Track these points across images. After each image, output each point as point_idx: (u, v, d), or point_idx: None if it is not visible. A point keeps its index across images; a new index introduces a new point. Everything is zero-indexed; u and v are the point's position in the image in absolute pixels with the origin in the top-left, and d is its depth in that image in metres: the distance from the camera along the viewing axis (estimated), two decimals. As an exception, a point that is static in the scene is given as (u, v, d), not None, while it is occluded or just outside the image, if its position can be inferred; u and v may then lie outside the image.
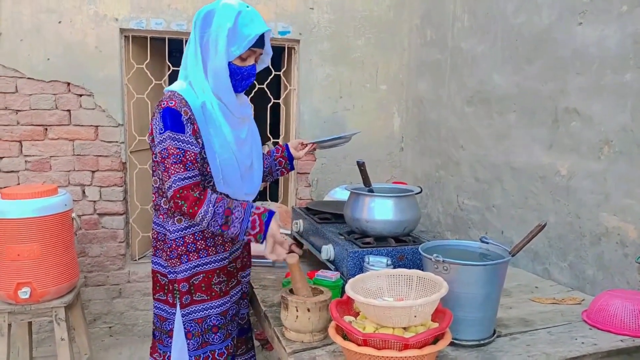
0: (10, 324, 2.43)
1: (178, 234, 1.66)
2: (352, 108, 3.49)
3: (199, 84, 1.62)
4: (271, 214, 1.65)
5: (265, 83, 3.38)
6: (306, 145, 2.00)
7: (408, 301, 1.26)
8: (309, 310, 1.44)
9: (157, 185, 1.71)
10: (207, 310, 1.69)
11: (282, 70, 3.56)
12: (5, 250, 2.35)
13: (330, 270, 1.78)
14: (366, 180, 1.93)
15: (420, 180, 3.32)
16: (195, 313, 1.68)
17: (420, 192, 1.93)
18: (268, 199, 3.58)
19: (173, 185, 1.55)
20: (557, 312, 1.70)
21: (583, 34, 1.99)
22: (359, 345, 1.19)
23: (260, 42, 1.62)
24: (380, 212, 1.80)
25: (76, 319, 2.73)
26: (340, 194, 2.77)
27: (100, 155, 3.13)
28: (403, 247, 1.77)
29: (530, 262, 2.28)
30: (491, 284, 1.42)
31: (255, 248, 2.12)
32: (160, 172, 1.61)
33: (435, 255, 1.41)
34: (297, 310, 1.45)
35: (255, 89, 3.31)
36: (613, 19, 1.86)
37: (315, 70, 3.40)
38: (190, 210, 1.56)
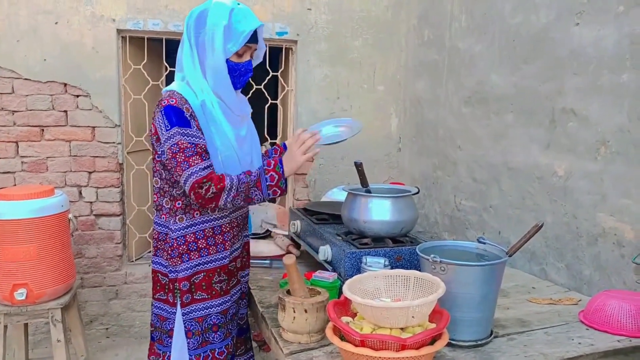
0: (6, 325, 2.42)
1: (179, 232, 1.68)
2: (350, 109, 3.49)
3: (197, 84, 1.64)
4: (281, 161, 1.70)
5: (263, 84, 3.37)
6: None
7: (405, 302, 1.26)
8: (306, 311, 1.44)
9: (159, 186, 1.72)
10: (207, 309, 1.71)
11: (280, 71, 3.55)
12: (2, 251, 2.34)
13: (328, 271, 1.78)
14: (363, 181, 1.93)
15: (417, 180, 3.32)
16: (195, 312, 1.69)
17: (417, 193, 1.93)
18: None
19: (195, 175, 1.56)
20: (554, 313, 1.70)
21: (580, 34, 1.99)
22: (356, 346, 1.18)
23: (253, 37, 1.65)
24: (377, 212, 1.80)
25: (73, 320, 2.73)
26: (338, 194, 2.77)
27: (97, 156, 3.12)
28: (400, 247, 1.77)
29: (527, 263, 2.28)
30: (488, 284, 1.42)
31: (254, 248, 2.12)
32: (172, 167, 1.60)
33: (432, 255, 1.40)
34: (294, 311, 1.45)
35: (253, 90, 3.31)
36: (610, 19, 1.86)
37: (313, 71, 3.40)
38: (219, 186, 1.57)
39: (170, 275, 1.71)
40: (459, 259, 1.41)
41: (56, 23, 2.98)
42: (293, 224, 2.27)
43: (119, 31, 3.09)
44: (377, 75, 3.52)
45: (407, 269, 1.57)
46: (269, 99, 3.51)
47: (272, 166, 1.68)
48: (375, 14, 3.45)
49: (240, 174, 1.65)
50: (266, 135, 3.52)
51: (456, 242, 1.65)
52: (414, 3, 3.36)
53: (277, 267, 2.22)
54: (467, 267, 1.39)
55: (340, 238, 1.87)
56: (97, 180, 3.15)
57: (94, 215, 3.18)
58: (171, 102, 1.58)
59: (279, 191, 1.69)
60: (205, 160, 1.59)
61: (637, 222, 1.77)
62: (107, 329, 3.31)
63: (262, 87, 3.37)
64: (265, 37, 3.20)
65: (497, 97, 2.48)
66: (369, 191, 1.91)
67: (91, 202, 3.16)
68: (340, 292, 1.60)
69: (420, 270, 1.44)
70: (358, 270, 1.66)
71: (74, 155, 3.09)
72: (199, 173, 1.57)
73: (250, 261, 2.00)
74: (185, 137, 1.57)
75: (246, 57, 1.68)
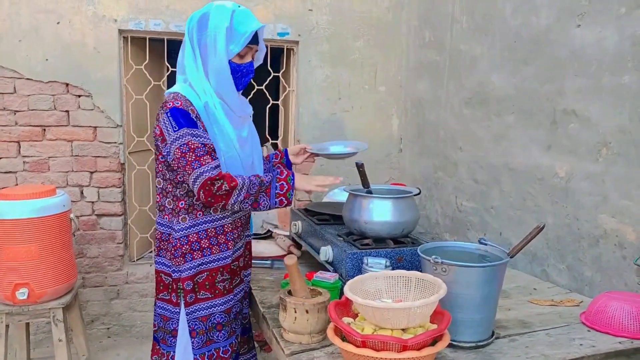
0: (8, 325, 2.43)
1: (182, 232, 1.69)
2: (351, 109, 3.49)
3: (200, 86, 1.66)
4: (293, 174, 1.74)
5: (264, 84, 3.38)
6: (307, 153, 2.02)
7: (407, 303, 1.26)
8: (307, 311, 1.44)
9: (162, 186, 1.74)
10: (211, 308, 1.72)
11: (281, 72, 3.56)
12: (3, 250, 2.34)
13: (329, 271, 1.78)
14: (365, 182, 1.93)
15: (418, 181, 3.32)
16: (199, 311, 1.71)
17: (418, 194, 1.93)
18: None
19: (206, 173, 1.58)
20: (555, 314, 1.70)
21: (581, 35, 1.99)
22: (357, 346, 1.18)
23: (254, 39, 1.68)
24: (378, 213, 1.80)
25: (74, 320, 2.73)
26: (339, 195, 2.78)
27: (98, 156, 3.13)
28: (402, 248, 1.77)
29: (529, 264, 2.28)
30: (490, 285, 1.42)
31: (255, 249, 2.12)
32: (180, 166, 1.61)
33: (434, 256, 1.41)
34: (295, 312, 1.45)
35: (254, 90, 3.31)
36: (611, 20, 1.86)
37: (314, 72, 3.40)
38: (232, 184, 1.59)
39: (173, 275, 1.72)
40: (460, 260, 1.41)
41: (58, 23, 2.98)
42: (294, 225, 2.28)
43: (120, 31, 3.09)
44: (378, 76, 3.52)
45: (408, 269, 1.57)
46: (270, 99, 3.51)
47: (284, 176, 1.70)
48: (376, 15, 3.45)
49: (251, 176, 1.66)
50: (267, 136, 3.52)
51: (457, 243, 1.64)
52: (414, 4, 3.36)
53: (278, 267, 2.22)
54: (468, 268, 1.39)
55: (341, 239, 1.87)
56: (99, 180, 3.15)
57: (96, 215, 3.18)
58: (177, 105, 1.60)
59: (286, 202, 1.71)
60: (215, 159, 1.62)
61: (639, 223, 1.77)
62: (108, 328, 3.31)
63: (263, 87, 3.37)
64: (266, 38, 3.21)
65: (498, 98, 2.49)
66: (370, 192, 1.92)
67: (93, 202, 3.16)
68: (341, 293, 1.61)
69: (421, 271, 1.44)
70: (359, 271, 1.67)
71: (76, 155, 3.10)
72: (211, 172, 1.59)
73: (252, 261, 2.01)
74: (195, 137, 1.60)
75: (248, 59, 1.71)
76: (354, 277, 1.43)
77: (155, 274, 1.80)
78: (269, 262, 2.26)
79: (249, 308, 1.98)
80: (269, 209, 1.71)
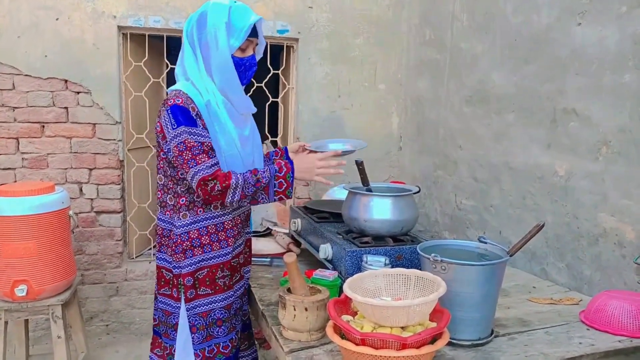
0: (7, 321, 2.43)
1: (183, 229, 1.70)
2: (351, 107, 3.49)
3: (202, 84, 1.68)
4: (292, 169, 1.72)
5: (264, 82, 3.37)
6: (306, 150, 2.01)
7: (406, 301, 1.26)
8: (306, 309, 1.44)
9: (163, 183, 1.75)
10: (211, 304, 1.73)
11: (281, 69, 3.55)
12: (2, 247, 2.34)
13: (328, 269, 1.78)
14: (364, 180, 1.92)
15: (418, 179, 3.32)
16: (199, 307, 1.72)
17: (418, 192, 1.92)
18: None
19: (201, 172, 1.59)
20: (554, 313, 1.70)
21: (582, 34, 1.99)
22: (356, 344, 1.18)
23: (254, 32, 1.70)
24: (378, 211, 1.80)
25: (73, 316, 2.73)
26: (339, 193, 2.77)
27: (97, 153, 3.12)
28: (401, 246, 1.77)
29: (528, 262, 2.28)
30: (489, 283, 1.42)
31: (254, 246, 2.12)
32: (179, 164, 1.63)
33: (433, 255, 1.40)
34: (294, 309, 1.45)
35: (254, 88, 3.30)
36: (612, 19, 1.86)
37: (314, 69, 3.39)
38: (223, 185, 1.60)
39: (174, 271, 1.73)
40: (459, 258, 1.41)
41: (57, 19, 2.97)
42: (294, 222, 2.27)
43: (119, 28, 3.08)
44: (378, 73, 3.51)
45: (407, 267, 1.57)
46: (270, 97, 3.51)
47: (282, 173, 1.70)
48: (377, 13, 3.44)
49: (247, 173, 1.67)
50: (267, 133, 3.52)
51: (457, 242, 1.65)
52: (415, 2, 3.35)
53: (278, 265, 2.22)
54: (468, 266, 1.39)
55: (340, 236, 1.87)
56: (98, 177, 3.15)
57: (95, 212, 3.18)
58: (177, 102, 1.61)
59: (285, 198, 1.73)
60: (212, 158, 1.62)
61: (638, 222, 1.77)
62: (107, 325, 3.31)
63: (263, 85, 3.36)
64: (266, 35, 3.21)
65: (499, 96, 2.48)
66: (369, 190, 1.91)
67: (92, 199, 3.16)
68: (340, 291, 1.61)
69: (420, 269, 1.44)
70: (358, 268, 1.66)
71: (75, 152, 3.09)
72: (206, 171, 1.60)
73: (252, 258, 2.01)
74: (192, 135, 1.61)
75: (249, 52, 1.72)
76: (353, 275, 1.43)
77: (157, 269, 1.82)
78: (268, 259, 2.26)
79: (248, 305, 1.98)
80: (269, 202, 1.74)
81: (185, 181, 1.69)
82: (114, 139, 3.13)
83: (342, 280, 1.64)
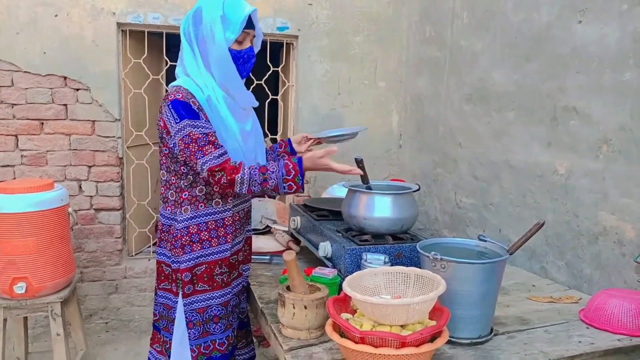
0: (6, 318, 2.42)
1: (184, 223, 1.71)
2: (351, 105, 3.48)
3: (202, 80, 1.68)
4: (301, 173, 1.69)
5: (264, 79, 3.36)
6: (310, 139, 2.03)
7: (405, 299, 1.25)
8: (305, 307, 1.44)
9: (165, 178, 1.77)
10: (208, 300, 1.73)
11: (281, 67, 3.54)
12: (1, 244, 2.34)
13: (328, 267, 1.78)
14: (364, 177, 1.92)
15: (418, 177, 3.31)
16: (196, 303, 1.72)
17: (418, 190, 1.92)
18: (266, 195, 3.56)
19: (208, 162, 1.60)
20: (554, 311, 1.70)
21: (583, 32, 1.98)
22: (356, 342, 1.18)
23: (249, 24, 1.70)
24: (378, 209, 1.80)
25: (72, 314, 2.73)
26: (338, 190, 2.77)
27: (96, 150, 3.12)
28: (401, 244, 1.77)
29: (528, 261, 2.28)
30: (489, 282, 1.41)
31: (253, 244, 2.12)
32: (185, 156, 1.64)
33: (433, 253, 1.40)
34: (294, 307, 1.45)
35: (253, 85, 3.30)
36: (613, 17, 1.85)
37: (314, 67, 3.39)
38: (229, 177, 1.61)
39: (172, 265, 1.74)
40: (459, 256, 1.41)
41: (56, 16, 2.96)
42: (293, 220, 2.27)
43: (119, 24, 3.07)
44: (378, 71, 3.50)
45: (407, 266, 1.57)
46: (270, 94, 3.50)
47: (291, 176, 1.66)
48: (377, 10, 3.44)
49: (255, 170, 1.64)
50: (266, 131, 3.51)
51: (457, 240, 1.64)
52: (416, -1, 3.35)
53: (277, 263, 2.22)
54: (467, 264, 1.39)
55: (340, 234, 1.86)
56: (97, 174, 3.14)
57: (94, 209, 3.17)
58: (178, 97, 1.62)
59: (293, 194, 1.74)
60: (218, 148, 1.63)
61: (638, 221, 1.77)
62: (106, 323, 3.31)
63: (262, 82, 3.35)
64: (266, 32, 3.20)
65: (499, 94, 2.48)
66: (369, 188, 1.91)
67: (91, 196, 3.16)
68: (340, 289, 1.60)
69: (420, 268, 1.44)
70: (358, 266, 1.66)
71: (74, 149, 3.09)
72: (213, 161, 1.61)
73: (251, 257, 2.01)
74: (196, 128, 1.61)
75: (246, 44, 1.72)
76: (352, 273, 1.42)
77: (157, 264, 1.83)
78: (267, 257, 2.26)
79: (247, 303, 1.97)
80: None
81: (188, 176, 1.70)
82: (113, 136, 3.13)
83: (342, 278, 1.64)
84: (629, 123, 1.80)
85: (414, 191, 1.89)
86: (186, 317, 1.72)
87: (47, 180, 2.57)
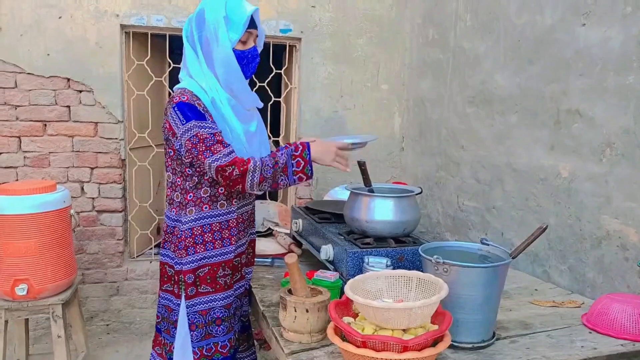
0: (7, 320, 2.42)
1: (188, 225, 1.71)
2: (353, 107, 3.48)
3: (206, 82, 1.69)
4: (308, 147, 1.72)
5: (266, 81, 3.37)
6: None
7: (408, 303, 1.25)
8: (307, 310, 1.43)
9: (171, 180, 1.77)
10: (211, 303, 1.73)
11: (283, 69, 3.54)
12: (3, 246, 2.34)
13: (329, 270, 1.77)
14: (367, 180, 1.92)
15: (420, 180, 3.31)
16: (199, 305, 1.72)
17: (420, 193, 1.92)
18: (267, 197, 3.57)
19: (218, 161, 1.61)
20: (556, 315, 1.69)
21: (586, 35, 1.97)
22: (357, 346, 1.18)
23: (252, 23, 1.71)
24: (380, 212, 1.79)
25: (73, 316, 2.72)
26: (340, 193, 2.76)
27: (99, 152, 3.12)
28: (403, 248, 1.76)
29: (530, 264, 2.27)
30: (491, 286, 1.41)
31: (256, 247, 2.12)
32: (193, 156, 1.64)
33: (435, 256, 1.40)
34: (295, 311, 1.44)
35: (256, 87, 3.30)
36: (617, 20, 1.84)
37: (317, 69, 3.39)
38: (242, 169, 1.62)
39: (176, 267, 1.74)
40: (461, 260, 1.40)
41: (60, 17, 2.97)
42: (295, 223, 2.27)
43: (122, 26, 3.08)
44: (380, 74, 3.50)
45: (409, 269, 1.57)
46: (272, 96, 3.50)
47: (299, 152, 1.71)
48: (380, 13, 3.44)
49: (264, 157, 1.69)
50: (269, 133, 3.51)
51: (459, 243, 1.63)
52: (418, 2, 3.34)
53: (279, 265, 2.22)
54: (470, 268, 1.38)
55: (342, 237, 1.86)
56: (100, 176, 3.15)
57: (96, 211, 3.18)
58: (183, 99, 1.63)
59: (305, 177, 1.71)
60: (226, 147, 1.64)
61: (642, 225, 1.76)
62: (107, 325, 3.30)
63: (265, 84, 3.36)
64: (269, 34, 3.20)
65: (502, 97, 2.47)
66: (372, 191, 1.91)
67: (93, 198, 3.16)
68: (341, 292, 1.60)
69: (422, 271, 1.43)
70: (360, 270, 1.66)
71: (77, 151, 3.09)
72: (223, 159, 1.61)
73: (254, 260, 2.01)
74: (203, 129, 1.62)
75: (250, 44, 1.73)
76: (354, 276, 1.42)
77: (160, 265, 1.83)
78: (269, 260, 2.25)
79: (249, 306, 1.97)
80: (289, 186, 1.75)
81: (194, 178, 1.70)
82: (116, 138, 3.13)
83: (344, 282, 1.64)
84: (633, 126, 1.79)
85: (416, 194, 1.88)
86: (189, 319, 1.71)
87: (50, 181, 2.57)
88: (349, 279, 1.40)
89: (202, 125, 1.62)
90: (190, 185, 1.72)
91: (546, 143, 2.19)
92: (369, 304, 1.20)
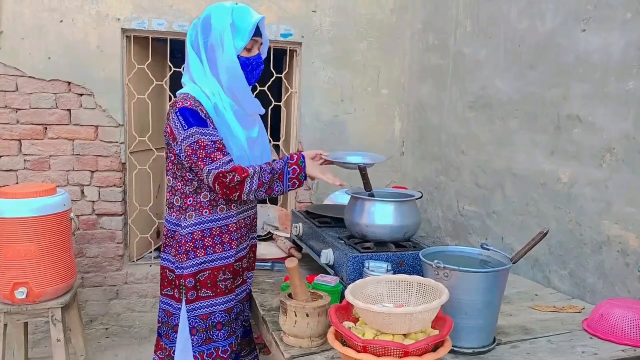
0: (6, 324, 2.41)
1: (188, 229, 1.71)
2: (353, 112, 3.49)
3: (209, 88, 1.70)
4: (303, 156, 1.76)
5: (267, 85, 3.37)
6: (322, 159, 1.97)
7: (408, 308, 1.24)
8: (307, 315, 1.43)
9: (171, 184, 1.78)
10: (212, 307, 1.73)
11: (284, 73, 3.55)
12: (3, 249, 2.33)
13: (330, 274, 1.77)
14: (367, 185, 1.91)
15: (420, 185, 3.31)
16: (200, 309, 1.72)
17: (420, 197, 1.92)
18: (267, 201, 3.56)
19: (217, 168, 1.62)
20: (557, 321, 1.69)
21: (586, 40, 1.98)
22: (358, 351, 1.17)
23: (257, 31, 1.72)
24: (380, 216, 1.79)
25: (72, 319, 2.72)
26: (341, 197, 2.76)
27: (99, 156, 3.12)
28: (403, 252, 1.76)
29: (530, 269, 2.27)
30: (492, 291, 1.41)
31: (257, 251, 2.12)
32: (192, 162, 1.65)
33: (436, 261, 1.39)
34: (295, 315, 1.44)
35: (256, 91, 3.30)
36: (617, 26, 1.85)
37: (317, 73, 3.39)
38: (242, 175, 1.64)
39: (176, 271, 1.74)
40: (462, 264, 1.40)
41: (61, 21, 2.98)
42: (295, 227, 2.26)
43: (123, 30, 3.08)
44: (381, 78, 3.51)
45: (409, 274, 1.56)
46: (273, 100, 3.50)
47: (294, 160, 1.74)
48: (380, 18, 3.44)
49: (262, 164, 1.71)
50: (269, 137, 3.51)
51: (459, 248, 1.63)
52: (418, 7, 3.35)
53: (279, 269, 2.21)
54: (470, 273, 1.38)
55: (342, 242, 1.86)
56: (100, 179, 3.15)
57: (96, 214, 3.17)
58: (186, 104, 1.64)
59: (298, 183, 1.75)
60: (226, 155, 1.65)
61: (642, 230, 1.76)
62: (107, 329, 3.30)
63: (265, 88, 3.36)
64: (269, 39, 3.20)
65: (502, 102, 2.47)
66: (372, 195, 1.90)
67: (93, 202, 3.16)
68: (342, 297, 1.60)
69: (422, 276, 1.43)
70: (360, 274, 1.66)
71: (77, 154, 3.09)
72: (223, 167, 1.63)
73: (255, 264, 2.01)
74: (204, 135, 1.63)
75: (255, 51, 1.74)
76: (354, 280, 1.42)
77: (161, 269, 1.83)
78: (269, 264, 2.25)
79: (249, 310, 1.97)
80: (282, 193, 1.76)
81: (193, 182, 1.71)
82: (116, 142, 3.13)
83: (344, 286, 1.63)
84: (633, 132, 1.79)
85: (416, 199, 1.88)
86: (189, 324, 1.71)
87: (50, 185, 2.57)
88: (349, 284, 1.39)
89: (203, 132, 1.63)
90: (190, 190, 1.72)
91: (546, 148, 2.19)
92: (369, 309, 1.20)
